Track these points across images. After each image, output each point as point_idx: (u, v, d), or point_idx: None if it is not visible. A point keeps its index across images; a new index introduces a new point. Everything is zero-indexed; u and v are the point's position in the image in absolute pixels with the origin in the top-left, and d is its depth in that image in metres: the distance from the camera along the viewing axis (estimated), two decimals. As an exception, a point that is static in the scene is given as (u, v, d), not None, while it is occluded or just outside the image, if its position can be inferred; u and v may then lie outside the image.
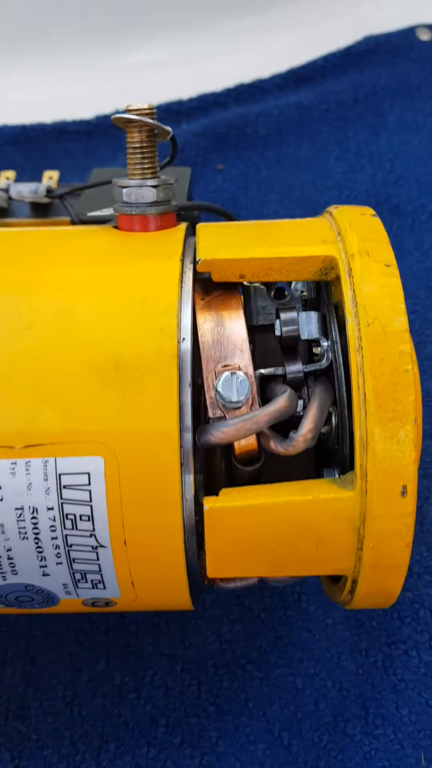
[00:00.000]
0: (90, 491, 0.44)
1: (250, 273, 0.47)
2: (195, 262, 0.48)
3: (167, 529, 0.44)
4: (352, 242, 0.46)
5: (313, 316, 0.47)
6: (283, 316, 0.48)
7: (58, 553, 0.45)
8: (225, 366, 0.46)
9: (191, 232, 0.54)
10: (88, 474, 0.43)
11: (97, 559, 0.46)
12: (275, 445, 0.44)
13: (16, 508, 0.44)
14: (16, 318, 0.45)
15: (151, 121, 0.49)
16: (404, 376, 0.40)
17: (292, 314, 0.47)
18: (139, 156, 0.50)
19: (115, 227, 0.52)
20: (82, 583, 0.47)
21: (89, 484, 0.43)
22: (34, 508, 0.44)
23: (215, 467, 0.49)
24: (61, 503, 0.44)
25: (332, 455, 0.47)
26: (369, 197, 0.95)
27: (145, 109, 0.50)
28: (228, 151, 1.00)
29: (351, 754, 0.56)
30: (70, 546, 0.45)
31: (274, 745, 0.57)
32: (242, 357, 0.46)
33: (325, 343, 0.46)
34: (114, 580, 0.46)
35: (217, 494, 0.44)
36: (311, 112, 1.03)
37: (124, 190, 0.51)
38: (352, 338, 0.42)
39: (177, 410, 0.43)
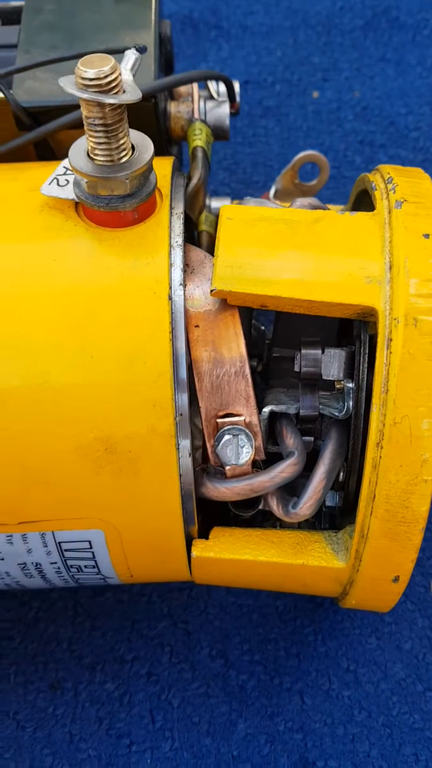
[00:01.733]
0: (93, 552, 0.43)
1: (274, 306, 0.40)
2: (185, 266, 0.40)
3: (172, 557, 0.44)
4: (401, 299, 0.37)
5: (338, 355, 0.41)
6: (305, 351, 0.41)
7: (65, 581, 0.46)
8: (226, 415, 0.41)
9: (177, 170, 0.44)
10: (90, 541, 0.42)
11: (104, 580, 0.47)
12: (276, 507, 0.42)
13: (19, 564, 0.44)
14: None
15: (112, 100, 0.36)
16: (422, 486, 0.37)
17: (316, 352, 0.41)
18: (103, 136, 0.38)
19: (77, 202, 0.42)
20: (84, 584, 0.49)
21: (91, 548, 0.42)
22: (36, 563, 0.44)
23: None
24: (64, 560, 0.43)
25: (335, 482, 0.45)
26: (366, 9, 0.80)
27: (102, 79, 0.36)
28: None
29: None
30: (77, 579, 0.46)
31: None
32: (246, 406, 0.41)
33: (349, 385, 0.41)
34: (117, 581, 0.48)
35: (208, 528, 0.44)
36: None
37: (86, 182, 0.39)
38: (375, 430, 0.37)
39: (178, 489, 0.40)
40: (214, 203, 0.62)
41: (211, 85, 0.57)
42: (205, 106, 0.55)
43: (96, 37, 0.54)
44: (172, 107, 0.55)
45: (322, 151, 0.77)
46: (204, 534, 0.44)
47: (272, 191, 0.65)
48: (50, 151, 0.53)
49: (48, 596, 0.60)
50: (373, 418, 0.37)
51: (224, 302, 0.41)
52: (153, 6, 0.55)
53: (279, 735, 0.55)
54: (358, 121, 0.79)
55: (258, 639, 0.58)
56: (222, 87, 0.56)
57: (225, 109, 0.55)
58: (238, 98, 0.57)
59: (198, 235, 0.54)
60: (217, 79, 0.55)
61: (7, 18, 0.57)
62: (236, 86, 0.57)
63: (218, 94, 0.57)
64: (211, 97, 0.57)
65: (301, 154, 0.61)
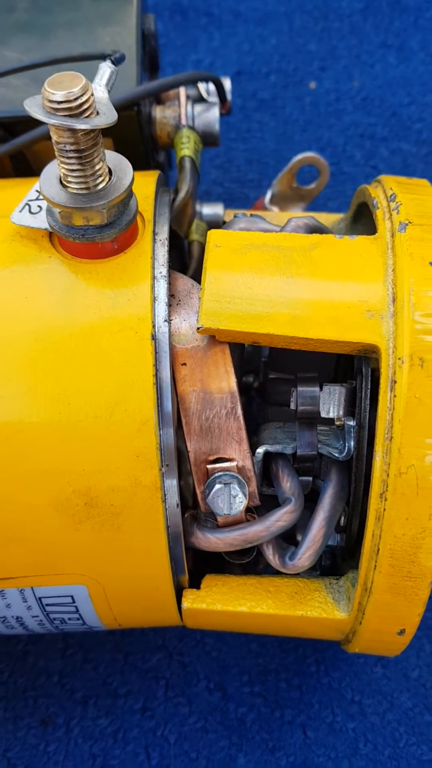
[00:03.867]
0: (76, 606, 0.40)
1: (267, 343, 0.36)
2: (170, 297, 0.37)
3: (161, 608, 0.42)
4: (405, 335, 0.34)
5: (337, 392, 0.38)
6: (301, 389, 0.38)
7: (49, 630, 0.44)
8: (217, 460, 0.38)
9: (162, 185, 0.42)
10: (72, 596, 0.39)
11: (90, 629, 0.44)
12: (273, 558, 0.39)
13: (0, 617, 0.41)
14: None
15: (84, 126, 0.33)
16: (430, 541, 0.34)
17: (313, 389, 0.38)
18: (76, 163, 0.35)
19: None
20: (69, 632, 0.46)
21: (74, 602, 0.40)
22: (17, 617, 0.41)
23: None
24: (46, 613, 0.41)
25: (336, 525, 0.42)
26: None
27: (71, 101, 0.33)
28: None
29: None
30: (61, 629, 0.43)
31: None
32: (238, 449, 0.38)
33: (350, 423, 0.38)
34: (104, 629, 0.45)
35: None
36: None
37: (59, 212, 0.36)
38: (378, 480, 0.34)
39: (165, 542, 0.37)
40: (206, 209, 0.58)
41: (201, 84, 0.53)
42: (193, 110, 0.51)
43: (72, 37, 0.50)
44: (158, 112, 0.51)
45: (320, 146, 0.73)
46: (197, 579, 0.42)
47: (268, 196, 0.61)
48: (27, 164, 0.49)
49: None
50: (376, 467, 0.34)
51: (213, 337, 0.37)
52: (134, 1, 0.51)
53: (280, 770, 0.53)
54: (357, 113, 0.75)
55: (258, 670, 0.56)
56: (213, 86, 0.53)
57: (214, 113, 0.51)
58: (229, 97, 0.54)
59: (189, 246, 0.51)
60: (205, 80, 0.51)
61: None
62: (227, 84, 0.53)
63: (208, 93, 0.53)
64: (200, 98, 0.53)
65: (299, 157, 0.58)
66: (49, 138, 0.45)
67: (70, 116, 0.33)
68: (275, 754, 0.53)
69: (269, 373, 0.46)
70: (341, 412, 0.38)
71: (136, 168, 0.38)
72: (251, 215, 0.45)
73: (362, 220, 0.49)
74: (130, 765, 0.53)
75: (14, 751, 0.54)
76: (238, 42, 0.78)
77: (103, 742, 0.54)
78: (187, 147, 0.49)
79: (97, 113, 0.34)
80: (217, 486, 0.38)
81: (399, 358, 0.34)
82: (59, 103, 0.33)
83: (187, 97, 0.52)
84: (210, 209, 0.58)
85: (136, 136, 0.49)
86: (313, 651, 0.56)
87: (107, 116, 0.34)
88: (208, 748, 0.54)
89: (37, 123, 0.46)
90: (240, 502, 0.38)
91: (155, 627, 0.56)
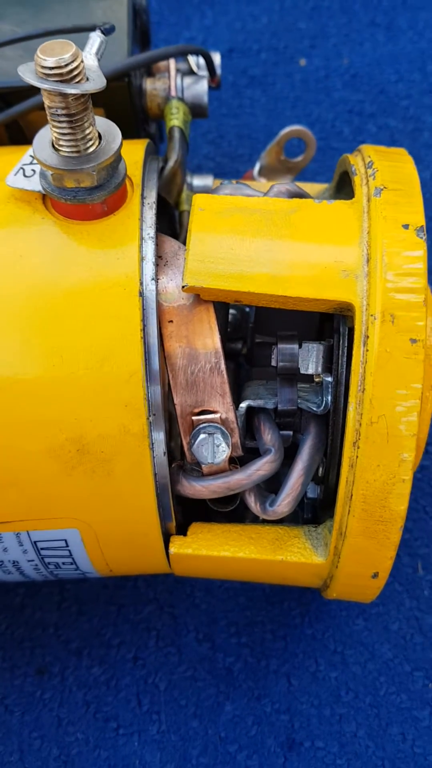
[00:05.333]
0: (70, 550, 0.43)
1: (248, 301, 0.39)
2: (158, 258, 0.39)
3: (150, 553, 0.44)
4: (378, 294, 0.36)
5: (315, 350, 0.40)
6: (281, 346, 0.40)
7: (44, 576, 0.46)
8: (202, 412, 0.40)
9: (151, 154, 0.44)
10: (65, 540, 0.42)
11: (83, 575, 0.47)
12: (254, 505, 0.41)
13: (-4, 561, 0.43)
14: None
15: (74, 90, 0.35)
16: (399, 486, 0.36)
17: (292, 347, 0.40)
18: (67, 126, 0.37)
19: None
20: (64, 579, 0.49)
21: (68, 546, 0.42)
22: (14, 561, 0.43)
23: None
24: (41, 558, 0.43)
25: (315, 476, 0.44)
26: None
27: (62, 67, 0.35)
28: None
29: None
30: (56, 575, 0.46)
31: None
32: (222, 402, 0.40)
33: (327, 379, 0.40)
34: (97, 575, 0.48)
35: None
36: None
37: (51, 174, 0.38)
38: (351, 430, 0.37)
39: (153, 488, 0.39)
40: (196, 181, 0.60)
41: (192, 58, 0.55)
42: (183, 82, 0.53)
43: (65, 11, 0.52)
44: (148, 84, 0.53)
45: (309, 122, 0.75)
46: (184, 527, 0.44)
47: (257, 168, 0.63)
48: (21, 133, 0.51)
49: (33, 582, 0.60)
50: (350, 417, 0.37)
51: (198, 296, 0.39)
52: (126, -24, 0.53)
53: (266, 716, 0.56)
54: (346, 90, 0.77)
55: (245, 622, 0.58)
56: (202, 60, 0.54)
57: (203, 85, 0.53)
58: (218, 71, 0.55)
59: (179, 216, 0.53)
60: (194, 53, 0.53)
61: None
62: (216, 59, 0.55)
63: (198, 66, 0.55)
64: (191, 71, 0.55)
65: (287, 129, 0.60)
66: (42, 108, 0.48)
67: (60, 81, 0.35)
68: (261, 702, 0.56)
69: (256, 338, 0.48)
70: (319, 369, 0.40)
71: (127, 138, 0.40)
72: (237, 183, 0.47)
73: (345, 190, 0.51)
74: (122, 711, 0.56)
75: (11, 699, 0.56)
76: (230, 20, 0.80)
77: (97, 689, 0.56)
78: (176, 117, 0.51)
79: (87, 79, 0.36)
80: (202, 436, 0.40)
81: (372, 315, 0.36)
82: (51, 69, 0.35)
83: (177, 70, 0.53)
84: (200, 181, 0.60)
85: (126, 106, 0.51)
86: (298, 604, 0.59)
87: (96, 82, 0.36)
88: (196, 696, 0.56)
89: (31, 93, 0.48)
90: (223, 451, 0.40)
91: (146, 577, 0.59)
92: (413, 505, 0.61)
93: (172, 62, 0.53)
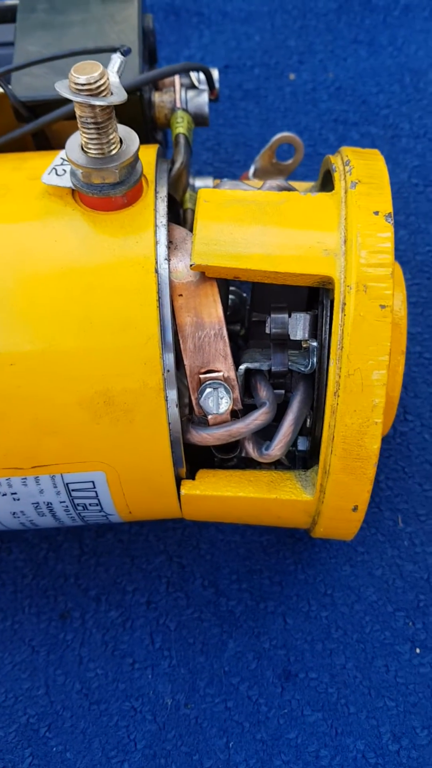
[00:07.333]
0: (96, 491, 0.50)
1: (245, 277, 0.46)
2: (169, 242, 0.47)
3: (164, 495, 0.52)
4: (353, 268, 0.44)
5: (303, 318, 0.47)
6: (274, 316, 0.48)
7: (72, 519, 0.54)
8: (207, 372, 0.48)
9: (161, 157, 0.51)
10: (93, 482, 0.49)
11: (106, 518, 0.54)
12: (252, 450, 0.49)
13: (32, 503, 0.51)
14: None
15: (101, 102, 0.43)
16: (373, 428, 0.44)
17: (283, 316, 0.48)
18: (94, 132, 0.44)
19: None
20: (90, 522, 0.56)
21: (95, 487, 0.50)
22: (48, 502, 0.51)
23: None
24: (72, 499, 0.51)
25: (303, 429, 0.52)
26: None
27: (92, 84, 0.42)
28: None
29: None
30: (83, 517, 0.53)
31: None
32: (224, 363, 0.48)
33: (313, 344, 0.48)
34: (118, 518, 0.55)
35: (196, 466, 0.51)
36: None
37: (81, 172, 0.46)
38: (332, 382, 0.44)
39: (167, 434, 0.47)
40: (198, 183, 0.68)
41: (193, 73, 0.63)
42: (186, 95, 0.61)
43: (84, 33, 0.60)
44: (156, 97, 0.61)
45: (298, 131, 0.83)
46: (192, 476, 0.51)
47: (251, 170, 0.71)
48: (46, 140, 0.59)
49: (55, 539, 0.67)
50: (331, 371, 0.44)
51: (203, 274, 0.47)
52: (136, 3, 0.61)
53: (264, 652, 0.63)
54: (332, 101, 0.85)
55: (245, 570, 0.66)
56: (203, 75, 0.62)
57: (204, 98, 0.61)
58: (217, 85, 0.63)
59: (183, 213, 0.60)
60: (196, 69, 0.61)
61: (2, 17, 0.63)
62: (215, 74, 0.63)
63: (199, 81, 0.63)
64: (193, 86, 0.63)
65: (278, 136, 0.67)
66: (66, 118, 0.56)
67: (90, 95, 0.43)
68: (260, 639, 0.63)
69: (253, 316, 0.56)
70: (306, 335, 0.48)
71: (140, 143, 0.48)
72: (235, 182, 0.55)
73: (328, 187, 0.58)
74: (137, 649, 0.63)
75: (37, 641, 0.64)
76: (226, 39, 0.88)
77: (114, 631, 0.64)
78: (181, 126, 0.59)
79: (111, 93, 0.44)
80: (208, 390, 0.47)
81: (348, 286, 0.44)
82: (83, 85, 0.42)
83: (181, 85, 0.61)
84: (201, 182, 0.68)
85: (138, 116, 0.58)
86: (292, 553, 0.66)
87: (119, 95, 0.44)
88: (203, 635, 0.63)
89: (57, 105, 0.56)
90: (226, 404, 0.48)
91: (157, 532, 0.66)
92: (394, 466, 0.69)
93: (177, 78, 0.61)
